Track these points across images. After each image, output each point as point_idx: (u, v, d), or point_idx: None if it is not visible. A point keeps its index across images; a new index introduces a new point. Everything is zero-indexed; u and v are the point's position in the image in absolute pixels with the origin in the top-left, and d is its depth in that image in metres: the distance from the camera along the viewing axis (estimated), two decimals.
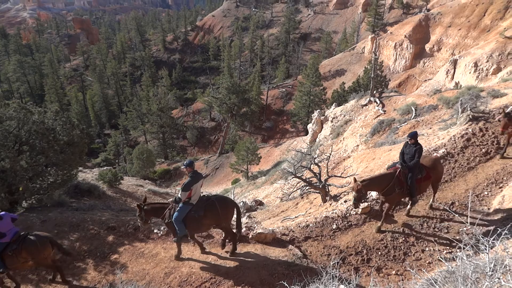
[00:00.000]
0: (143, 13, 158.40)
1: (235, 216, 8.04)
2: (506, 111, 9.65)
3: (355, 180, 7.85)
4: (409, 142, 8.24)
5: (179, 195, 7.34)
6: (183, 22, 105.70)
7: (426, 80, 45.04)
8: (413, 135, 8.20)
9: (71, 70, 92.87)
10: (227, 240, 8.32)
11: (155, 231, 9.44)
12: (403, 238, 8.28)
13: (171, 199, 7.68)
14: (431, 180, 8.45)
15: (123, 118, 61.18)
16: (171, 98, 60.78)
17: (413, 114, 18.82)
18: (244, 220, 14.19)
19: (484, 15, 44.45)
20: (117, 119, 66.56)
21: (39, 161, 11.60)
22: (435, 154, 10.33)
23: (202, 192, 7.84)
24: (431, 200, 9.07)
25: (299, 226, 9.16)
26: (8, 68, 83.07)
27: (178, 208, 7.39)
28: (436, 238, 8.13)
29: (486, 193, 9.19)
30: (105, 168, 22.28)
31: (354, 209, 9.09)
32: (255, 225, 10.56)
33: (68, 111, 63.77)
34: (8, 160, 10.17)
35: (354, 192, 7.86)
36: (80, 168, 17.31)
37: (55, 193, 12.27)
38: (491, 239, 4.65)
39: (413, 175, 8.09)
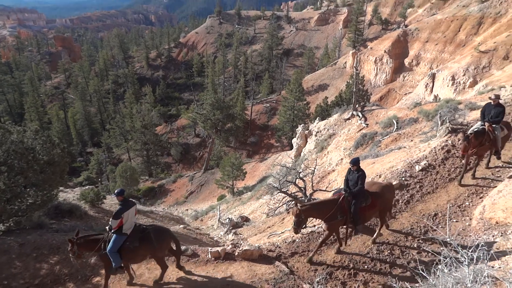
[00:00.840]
0: (126, 31, 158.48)
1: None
2: (466, 134, 9.43)
3: (296, 204, 7.61)
4: (351, 169, 8.01)
5: (111, 223, 7.18)
6: (167, 39, 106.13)
7: (406, 94, 46.22)
8: (355, 162, 7.97)
9: (52, 88, 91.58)
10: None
11: None
12: (389, 251, 8.31)
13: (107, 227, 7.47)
14: (377, 209, 8.08)
15: (106, 135, 60.35)
16: (155, 114, 60.33)
17: (395, 127, 19.19)
18: (230, 237, 14.04)
19: (459, 31, 46.20)
20: (99, 137, 65.63)
21: (18, 182, 11.25)
22: (387, 181, 9.75)
23: (136, 221, 7.64)
24: (376, 233, 8.60)
25: (286, 242, 9.10)
26: None
27: (112, 239, 7.19)
28: (420, 250, 8.19)
29: (467, 203, 9.35)
30: (87, 187, 21.77)
31: (294, 234, 8.65)
32: (242, 242, 10.44)
33: (49, 130, 62.53)
34: None
35: (293, 217, 7.55)
36: (61, 188, 16.88)
37: (35, 214, 11.88)
38: (470, 251, 4.71)
39: (357, 202, 7.78)
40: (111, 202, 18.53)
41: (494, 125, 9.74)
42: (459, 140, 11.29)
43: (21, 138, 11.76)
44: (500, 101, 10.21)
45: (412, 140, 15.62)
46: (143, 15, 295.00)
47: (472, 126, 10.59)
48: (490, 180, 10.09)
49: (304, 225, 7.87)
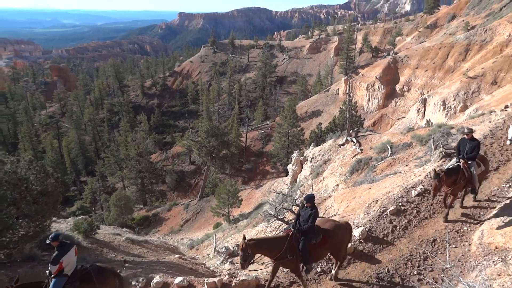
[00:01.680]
0: (122, 60, 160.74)
1: None
2: (437, 172, 8.86)
3: (243, 237, 7.30)
4: (305, 205, 7.75)
5: (50, 269, 6.98)
6: (162, 68, 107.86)
7: (399, 119, 46.88)
8: (309, 199, 7.70)
9: (47, 117, 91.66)
10: None
11: (133, 283, 8.97)
12: (389, 279, 8.18)
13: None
14: (328, 246, 7.74)
15: (100, 164, 59.92)
16: (150, 142, 60.44)
17: (389, 152, 19.33)
18: (227, 266, 13.73)
19: (448, 57, 47.54)
20: (94, 166, 65.12)
21: (10, 213, 11.07)
22: (344, 221, 9.10)
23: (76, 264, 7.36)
24: (334, 270, 8.31)
25: (283, 271, 8.93)
26: None
27: (52, 282, 6.98)
28: (420, 278, 8.07)
29: (465, 228, 9.31)
30: (80, 217, 21.46)
31: (241, 269, 8.31)
32: (238, 272, 10.23)
33: (43, 159, 61.96)
34: None
35: (240, 251, 7.28)
36: (54, 218, 16.57)
37: (26, 246, 11.60)
38: (472, 280, 4.65)
39: (306, 239, 7.47)
40: (105, 232, 18.18)
41: (470, 162, 9.23)
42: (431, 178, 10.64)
43: (15, 168, 11.66)
44: (475, 135, 9.94)
45: (407, 165, 15.71)
46: (139, 45, 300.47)
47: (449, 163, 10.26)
48: (488, 204, 10.09)
49: (252, 261, 7.51)
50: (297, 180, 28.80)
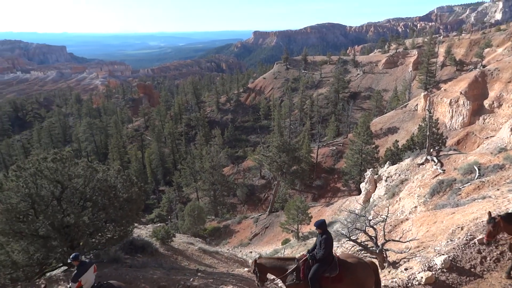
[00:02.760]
0: (200, 78, 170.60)
1: None
2: (491, 216, 7.42)
3: (260, 256, 7.26)
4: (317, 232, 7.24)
5: (70, 286, 7.27)
6: (236, 85, 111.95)
7: (487, 138, 42.43)
8: (320, 225, 7.27)
9: (133, 130, 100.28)
10: None
11: None
12: None
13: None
14: (343, 285, 6.98)
15: (177, 175, 63.59)
16: (223, 156, 62.66)
17: (477, 174, 17.60)
18: None
19: None
20: (171, 176, 69.30)
21: (100, 217, 12.21)
22: (370, 259, 8.18)
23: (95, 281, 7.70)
24: None
25: None
26: (79, 129, 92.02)
27: None
28: None
29: None
30: (158, 224, 22.87)
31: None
32: None
33: (128, 169, 67.71)
34: (73, 216, 10.84)
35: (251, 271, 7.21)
36: (136, 224, 17.91)
37: (112, 249, 12.68)
38: None
39: (318, 269, 6.92)
40: (180, 241, 19.12)
41: None
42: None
43: (106, 176, 12.87)
44: None
45: (498, 189, 14.13)
46: (215, 63, 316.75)
47: None
48: None
49: (267, 280, 7.35)
50: (371, 199, 27.54)
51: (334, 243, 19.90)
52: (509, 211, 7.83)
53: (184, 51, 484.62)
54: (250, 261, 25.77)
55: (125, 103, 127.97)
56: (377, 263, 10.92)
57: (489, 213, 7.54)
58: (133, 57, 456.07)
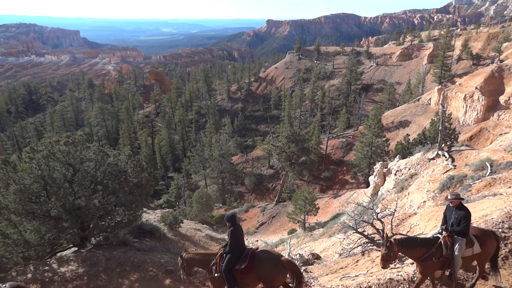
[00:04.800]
0: (211, 66, 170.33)
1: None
2: (387, 238, 7.18)
3: (185, 250, 7.59)
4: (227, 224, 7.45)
5: None
6: (247, 74, 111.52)
7: (501, 134, 41.69)
8: (228, 218, 7.46)
9: (144, 117, 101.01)
10: None
11: None
12: None
13: None
14: (250, 277, 7.14)
15: (186, 162, 64.07)
16: (232, 144, 62.83)
17: (488, 171, 17.33)
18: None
19: None
20: (180, 163, 69.86)
21: (110, 201, 12.43)
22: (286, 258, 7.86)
23: None
24: None
25: (360, 287, 8.55)
26: (91, 114, 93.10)
27: None
28: None
29: None
30: (166, 210, 23.17)
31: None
32: (312, 281, 10.09)
33: (138, 154, 68.42)
34: (84, 198, 11.04)
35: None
36: (144, 209, 18.18)
37: (121, 232, 12.92)
38: None
39: (228, 262, 7.09)
40: (187, 227, 19.37)
41: (456, 237, 7.16)
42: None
43: (116, 161, 13.04)
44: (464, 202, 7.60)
45: (510, 187, 13.93)
46: (227, 51, 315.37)
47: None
48: None
49: (191, 274, 7.71)
50: (379, 193, 27.41)
51: (340, 235, 19.97)
52: (407, 236, 7.76)
53: (196, 39, 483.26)
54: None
55: (136, 89, 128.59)
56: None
57: (386, 235, 7.40)
58: (145, 43, 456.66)
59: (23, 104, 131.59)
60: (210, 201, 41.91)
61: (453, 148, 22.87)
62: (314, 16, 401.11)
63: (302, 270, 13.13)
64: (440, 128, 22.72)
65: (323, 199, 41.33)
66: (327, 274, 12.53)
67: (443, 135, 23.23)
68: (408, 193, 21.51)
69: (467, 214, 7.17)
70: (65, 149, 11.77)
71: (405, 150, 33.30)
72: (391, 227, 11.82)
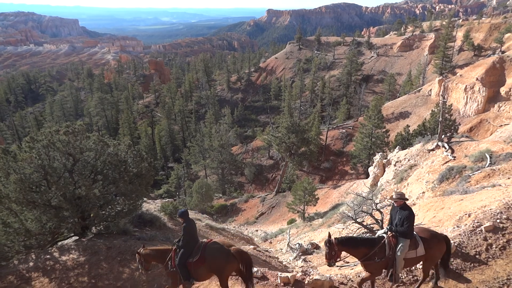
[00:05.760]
0: (211, 56, 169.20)
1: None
2: (329, 238, 7.19)
3: (143, 246, 7.97)
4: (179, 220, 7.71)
5: None
6: (247, 64, 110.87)
7: (501, 125, 41.66)
8: (181, 214, 7.64)
9: (143, 107, 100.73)
10: None
11: None
12: None
13: None
14: (202, 268, 7.48)
15: (186, 152, 64.13)
16: (232, 135, 62.81)
17: (488, 162, 17.38)
18: (299, 263, 13.76)
19: None
20: (180, 153, 69.91)
21: (110, 190, 12.46)
22: (235, 248, 8.02)
23: None
24: None
25: (359, 276, 8.63)
26: (91, 103, 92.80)
27: None
28: None
29: None
30: (166, 200, 23.24)
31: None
32: (311, 270, 10.18)
33: (138, 144, 68.42)
34: (84, 188, 11.07)
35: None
36: (145, 199, 18.24)
37: (121, 221, 12.98)
38: None
39: (182, 255, 7.41)
40: None
41: (401, 237, 7.10)
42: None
43: (116, 151, 13.04)
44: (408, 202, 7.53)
45: (509, 178, 13.98)
46: (227, 41, 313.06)
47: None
48: None
49: (148, 268, 8.00)
50: (378, 183, 27.52)
51: (339, 225, 20.14)
52: (349, 235, 7.74)
53: (196, 28, 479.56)
54: (255, 239, 26.21)
55: (136, 79, 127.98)
56: None
57: (329, 234, 7.38)
58: (144, 32, 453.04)
59: (22, 93, 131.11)
60: (210, 191, 42.06)
61: (453, 139, 22.91)
62: (315, 6, 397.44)
63: (300, 260, 13.28)
64: (440, 119, 22.71)
65: (323, 189, 41.48)
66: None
67: (443, 126, 23.23)
68: (408, 184, 21.60)
69: (410, 215, 7.10)
70: (65, 139, 11.76)
71: (405, 141, 33.30)
72: None
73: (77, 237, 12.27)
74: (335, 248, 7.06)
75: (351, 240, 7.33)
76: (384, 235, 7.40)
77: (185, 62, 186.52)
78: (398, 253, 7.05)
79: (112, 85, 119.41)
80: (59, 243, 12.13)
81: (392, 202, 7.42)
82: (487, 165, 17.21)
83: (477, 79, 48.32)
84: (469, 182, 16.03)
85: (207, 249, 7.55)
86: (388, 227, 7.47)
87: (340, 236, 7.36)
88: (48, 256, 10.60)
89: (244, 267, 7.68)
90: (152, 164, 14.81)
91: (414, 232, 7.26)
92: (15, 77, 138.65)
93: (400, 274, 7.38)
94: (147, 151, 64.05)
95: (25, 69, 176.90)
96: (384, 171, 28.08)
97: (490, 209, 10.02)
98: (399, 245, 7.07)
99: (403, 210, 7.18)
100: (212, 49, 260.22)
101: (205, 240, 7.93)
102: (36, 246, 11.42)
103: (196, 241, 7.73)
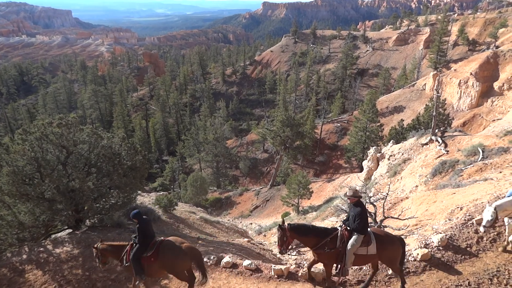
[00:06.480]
0: (206, 48, 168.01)
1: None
2: (281, 224, 7.23)
3: (101, 241, 8.22)
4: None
5: None
6: (242, 57, 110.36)
7: (494, 120, 42.06)
8: (134, 215, 7.76)
9: (138, 99, 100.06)
10: None
11: (205, 259, 9.52)
12: None
13: None
14: (155, 264, 7.64)
15: (180, 145, 63.97)
16: (227, 128, 62.73)
17: (480, 156, 17.56)
18: (293, 256, 13.86)
19: None
20: (175, 147, 69.73)
21: (104, 183, 12.42)
22: (187, 245, 8.05)
23: None
24: None
25: (352, 268, 8.72)
26: (84, 96, 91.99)
27: None
28: None
29: None
30: (161, 193, 23.20)
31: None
32: (305, 262, 10.25)
33: (132, 137, 68.09)
34: (78, 181, 11.02)
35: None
36: (139, 192, 18.20)
37: (115, 214, 12.96)
38: None
39: (136, 252, 7.64)
40: (182, 209, 19.49)
41: (356, 233, 7.11)
42: None
43: (110, 143, 12.97)
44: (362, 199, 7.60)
45: (501, 172, 14.15)
46: (222, 34, 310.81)
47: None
48: None
49: (107, 262, 8.23)
50: (372, 177, 27.70)
51: (333, 218, 20.26)
52: (302, 223, 7.83)
53: (191, 20, 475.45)
54: (250, 232, 26.32)
55: (130, 71, 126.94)
56: None
57: (282, 220, 7.50)
58: (139, 24, 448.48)
59: (14, 85, 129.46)
60: (205, 185, 42.06)
61: (446, 134, 23.08)
62: None
63: (294, 252, 13.38)
64: (434, 113, 22.86)
65: (317, 183, 41.67)
66: None
67: (436, 121, 23.39)
68: (401, 178, 21.77)
69: (362, 212, 7.14)
70: (58, 131, 11.66)
71: (399, 135, 33.50)
72: (383, 210, 12.00)
73: (70, 230, 12.24)
74: (287, 234, 7.11)
75: (303, 227, 7.38)
76: (339, 227, 7.49)
77: (180, 55, 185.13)
78: (349, 247, 7.10)
79: (106, 78, 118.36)
80: (53, 235, 12.11)
81: (346, 198, 7.48)
82: (479, 159, 17.39)
83: (471, 73, 48.59)
84: (461, 176, 16.21)
85: (160, 247, 7.74)
86: (343, 221, 7.59)
87: (293, 223, 7.37)
88: (41, 249, 10.58)
89: (195, 263, 7.91)
90: (146, 157, 14.76)
91: (370, 231, 7.34)
92: (7, 69, 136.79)
93: (349, 269, 7.40)
94: (141, 144, 63.72)
95: (17, 60, 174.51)
96: (378, 165, 28.26)
97: (482, 203, 10.15)
98: (351, 239, 7.13)
99: (355, 207, 7.24)
100: (207, 41, 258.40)
101: (162, 238, 8.11)
102: (29, 239, 11.38)
103: (152, 237, 7.91)
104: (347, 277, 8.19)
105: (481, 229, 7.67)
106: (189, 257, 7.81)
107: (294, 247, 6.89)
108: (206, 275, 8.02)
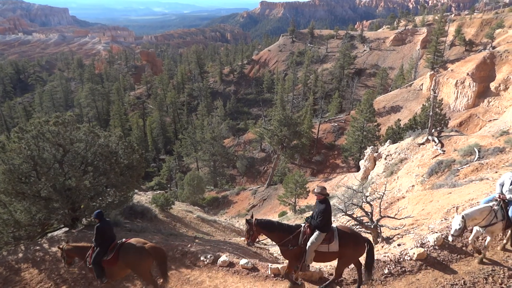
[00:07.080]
0: (204, 47, 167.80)
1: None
2: (248, 218, 7.33)
3: (67, 242, 8.39)
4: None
5: None
6: (240, 56, 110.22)
7: (490, 120, 42.29)
8: (96, 215, 7.86)
9: (135, 98, 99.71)
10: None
11: (201, 258, 9.52)
12: None
13: None
14: (117, 266, 7.79)
15: (178, 144, 63.84)
16: (224, 127, 62.67)
17: (476, 156, 17.65)
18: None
19: None
20: (172, 146, 69.58)
21: (101, 182, 12.39)
22: (151, 246, 8.09)
23: None
24: None
25: (348, 268, 8.75)
26: (81, 94, 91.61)
27: None
28: None
29: None
30: (158, 192, 23.19)
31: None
32: None
33: (129, 136, 67.89)
34: (75, 179, 10.99)
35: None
36: (136, 191, 18.17)
37: (112, 213, 12.94)
38: None
39: (96, 255, 7.76)
40: (178, 208, 19.47)
41: (317, 231, 7.14)
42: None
43: (107, 142, 12.94)
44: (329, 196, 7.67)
45: (496, 172, 14.22)
46: (220, 33, 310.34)
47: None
48: None
49: (71, 262, 8.39)
50: (369, 177, 27.78)
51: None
52: (269, 219, 7.82)
53: (188, 19, 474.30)
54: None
55: (127, 70, 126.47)
56: (371, 238, 11.19)
57: (252, 214, 7.66)
58: (136, 23, 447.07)
59: (10, 83, 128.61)
60: (202, 184, 41.99)
61: (442, 134, 23.16)
62: None
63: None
64: (430, 113, 22.95)
65: (314, 182, 41.70)
66: None
67: (433, 121, 23.48)
68: (398, 177, 21.83)
69: (325, 209, 7.15)
70: (55, 130, 11.62)
71: (395, 135, 33.59)
72: (380, 210, 12.04)
73: (67, 229, 12.20)
74: (254, 229, 7.21)
75: (269, 223, 7.45)
76: (302, 224, 7.56)
77: (177, 54, 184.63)
78: (309, 244, 7.15)
79: (103, 76, 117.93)
80: (49, 234, 12.06)
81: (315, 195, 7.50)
82: (475, 159, 17.48)
83: (467, 74, 48.80)
84: (457, 175, 16.28)
85: (121, 249, 7.80)
86: (306, 218, 7.64)
87: (261, 218, 7.51)
88: (38, 247, 10.54)
89: (157, 262, 7.97)
90: (143, 156, 14.74)
91: (335, 228, 7.38)
92: (4, 66, 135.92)
93: (309, 265, 7.47)
94: (138, 143, 63.60)
95: (13, 58, 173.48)
96: (375, 164, 28.35)
97: (478, 202, 10.19)
98: (312, 236, 7.18)
99: (320, 204, 7.27)
100: (205, 40, 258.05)
101: (123, 239, 8.14)
102: (25, 237, 11.34)
103: (112, 240, 7.96)
104: (343, 276, 8.23)
105: (449, 238, 7.66)
106: (152, 256, 7.87)
107: (261, 240, 7.05)
108: (167, 277, 8.12)
